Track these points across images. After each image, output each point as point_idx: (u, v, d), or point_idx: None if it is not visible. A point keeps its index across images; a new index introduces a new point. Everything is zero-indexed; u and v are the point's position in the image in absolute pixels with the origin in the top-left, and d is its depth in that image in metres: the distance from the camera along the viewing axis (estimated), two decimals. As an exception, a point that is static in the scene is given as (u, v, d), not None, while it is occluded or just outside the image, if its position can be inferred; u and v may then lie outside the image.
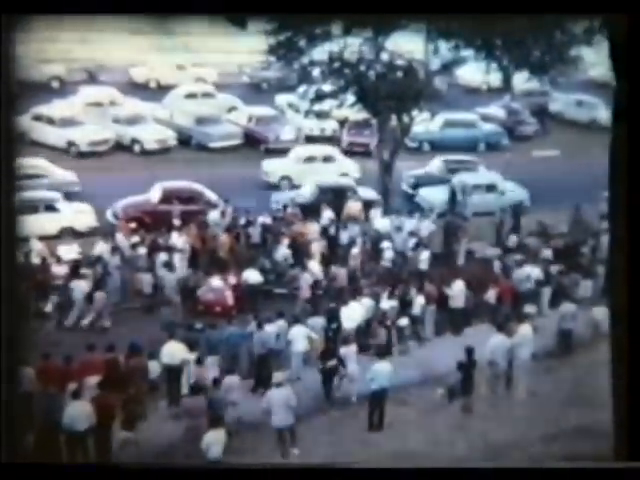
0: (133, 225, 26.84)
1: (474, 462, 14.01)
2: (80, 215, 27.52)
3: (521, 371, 19.55)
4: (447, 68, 32.69)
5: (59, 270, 23.34)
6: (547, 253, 26.36)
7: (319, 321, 21.30)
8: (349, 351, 19.78)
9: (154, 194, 28.47)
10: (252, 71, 42.83)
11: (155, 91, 41.48)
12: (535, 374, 19.78)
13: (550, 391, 19.16)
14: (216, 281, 23.53)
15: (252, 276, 23.95)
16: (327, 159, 33.46)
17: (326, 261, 25.32)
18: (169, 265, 23.63)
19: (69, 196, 28.39)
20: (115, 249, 24.36)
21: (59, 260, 23.89)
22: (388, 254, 25.73)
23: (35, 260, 23.34)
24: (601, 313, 20.77)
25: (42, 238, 24.71)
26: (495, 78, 41.34)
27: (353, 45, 29.75)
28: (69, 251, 24.78)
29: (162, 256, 24.14)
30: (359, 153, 35.93)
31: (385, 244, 26.06)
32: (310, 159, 33.23)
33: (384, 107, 30.65)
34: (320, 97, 31.12)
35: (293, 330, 20.30)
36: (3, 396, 7.55)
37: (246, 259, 25.61)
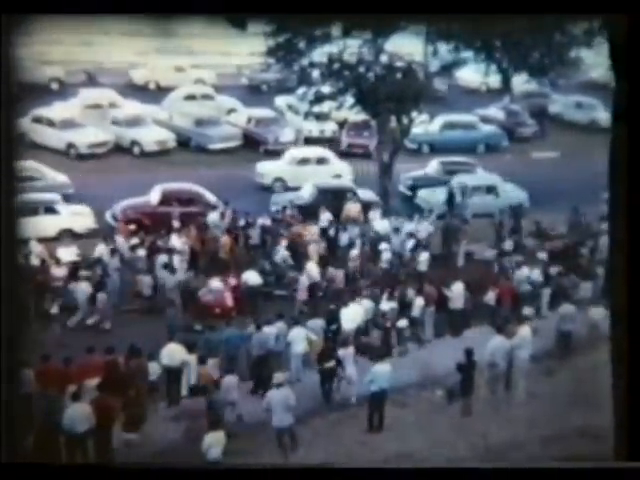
0: (132, 227, 26.83)
1: (474, 463, 14.02)
2: (79, 217, 27.50)
3: (520, 372, 19.55)
4: (446, 70, 32.72)
5: (58, 272, 23.33)
6: (546, 255, 26.37)
7: (319, 323, 21.29)
8: (347, 353, 19.78)
9: (153, 196, 28.46)
10: (251, 73, 42.82)
11: (154, 93, 41.47)
12: (534, 375, 19.80)
13: (549, 392, 19.17)
14: (216, 283, 23.52)
15: (252, 278, 23.95)
16: (321, 161, 33.41)
17: (324, 263, 25.32)
18: (168, 267, 23.62)
19: (67, 198, 28.37)
20: (114, 251, 24.35)
21: (58, 262, 23.87)
22: (387, 256, 25.73)
23: (34, 262, 23.31)
24: (599, 313, 20.86)
25: (41, 240, 24.69)
26: (494, 80, 41.31)
27: (352, 47, 29.75)
28: (68, 253, 24.76)
29: (161, 258, 24.13)
30: (358, 155, 35.95)
31: (384, 245, 26.06)
32: (304, 161, 33.19)
33: (383, 109, 30.66)
34: (319, 99, 31.12)
35: (293, 332, 20.30)
36: (3, 396, 7.55)
37: (246, 261, 25.62)
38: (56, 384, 17.25)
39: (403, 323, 22.20)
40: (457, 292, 23.30)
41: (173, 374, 19.04)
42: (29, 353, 14.53)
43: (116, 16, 7.26)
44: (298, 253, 25.76)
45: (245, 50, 35.79)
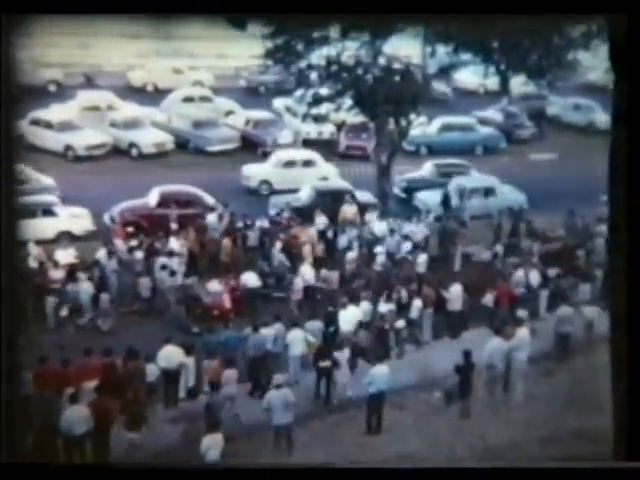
0: (130, 229, 26.81)
1: (472, 464, 14.00)
2: (77, 219, 27.49)
3: (519, 374, 19.56)
4: (445, 72, 32.76)
5: (56, 274, 23.31)
6: (545, 256, 26.38)
7: (317, 325, 21.28)
8: (342, 355, 19.79)
9: (151, 198, 28.44)
10: (250, 75, 42.83)
11: (152, 95, 41.46)
12: (533, 377, 19.81)
13: (548, 394, 19.16)
14: (214, 284, 23.52)
15: (250, 279, 23.94)
16: (307, 163, 33.36)
17: (321, 265, 25.32)
18: (167, 269, 23.61)
19: (65, 200, 28.34)
20: (112, 253, 24.34)
21: (56, 264, 23.85)
22: (384, 258, 25.73)
23: (32, 264, 23.30)
24: (594, 313, 20.89)
25: (39, 242, 24.67)
26: (493, 82, 41.44)
27: (350, 49, 29.77)
28: (66, 255, 24.73)
29: (160, 260, 24.12)
30: (356, 156, 35.97)
31: (381, 248, 26.06)
32: (290, 163, 33.15)
33: (382, 111, 30.67)
34: (318, 101, 31.12)
35: (291, 334, 20.29)
36: (3, 396, 7.55)
37: (244, 263, 25.61)
38: (54, 386, 17.24)
39: (401, 325, 22.20)
40: (455, 294, 23.30)
41: (171, 376, 19.03)
42: (28, 355, 14.50)
43: (116, 16, 7.26)
44: (294, 255, 25.76)
45: (243, 52, 35.75)
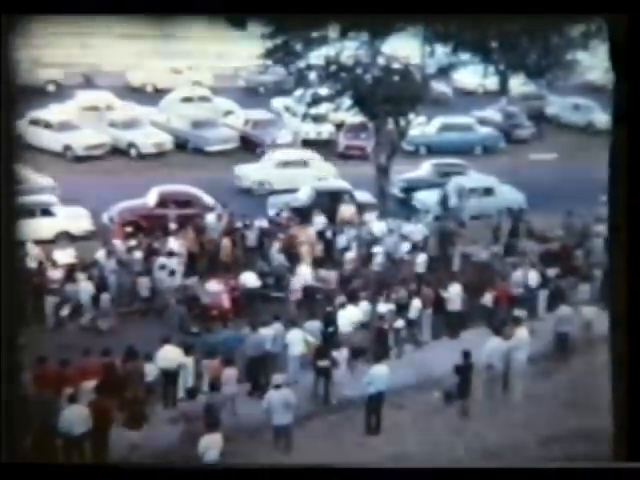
0: (129, 229, 26.81)
1: (471, 464, 14.00)
2: (76, 219, 27.47)
3: (518, 374, 19.56)
4: (444, 72, 32.71)
5: (55, 274, 23.30)
6: (544, 256, 26.38)
7: (316, 325, 21.27)
8: (341, 355, 19.78)
9: (150, 198, 28.43)
10: (248, 75, 42.87)
11: (151, 95, 41.50)
12: (532, 377, 19.80)
13: (547, 394, 19.15)
14: (213, 284, 23.51)
15: (250, 280, 23.94)
16: (303, 163, 33.37)
17: (320, 265, 25.32)
18: (166, 269, 23.61)
19: (65, 200, 28.33)
20: (111, 253, 24.33)
21: (55, 264, 23.84)
22: (383, 258, 25.74)
23: (31, 264, 23.29)
24: (593, 313, 20.88)
25: (38, 242, 24.67)
26: (492, 81, 41.38)
27: (349, 49, 29.73)
28: (65, 255, 24.73)
29: (159, 260, 24.12)
30: (356, 156, 35.98)
31: (380, 248, 26.06)
32: (286, 164, 33.14)
33: (381, 111, 30.65)
34: (317, 101, 31.08)
35: (290, 334, 20.28)
36: (3, 396, 7.54)
37: (243, 263, 25.62)
38: (53, 386, 17.23)
39: (400, 325, 22.20)
40: (454, 294, 23.30)
41: (170, 376, 19.03)
42: (27, 355, 14.50)
43: (115, 16, 7.25)
44: (293, 255, 25.76)
45: (242, 52, 35.79)
